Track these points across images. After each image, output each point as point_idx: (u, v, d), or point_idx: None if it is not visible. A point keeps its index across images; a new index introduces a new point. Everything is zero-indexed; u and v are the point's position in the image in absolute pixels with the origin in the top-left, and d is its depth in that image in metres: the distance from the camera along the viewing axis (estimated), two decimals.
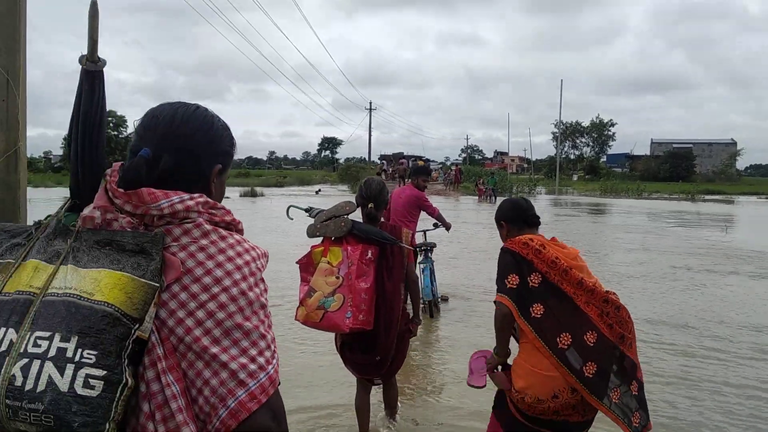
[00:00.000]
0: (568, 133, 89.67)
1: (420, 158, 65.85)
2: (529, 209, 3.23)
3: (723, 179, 76.12)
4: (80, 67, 1.29)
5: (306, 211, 3.93)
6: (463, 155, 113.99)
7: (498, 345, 3.02)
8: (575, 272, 2.86)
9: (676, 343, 6.70)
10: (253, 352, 1.14)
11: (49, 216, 1.26)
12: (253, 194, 37.59)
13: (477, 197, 39.64)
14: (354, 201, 3.80)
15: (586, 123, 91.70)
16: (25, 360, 1.01)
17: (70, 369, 1.01)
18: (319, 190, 45.37)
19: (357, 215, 3.75)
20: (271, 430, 1.13)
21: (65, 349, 1.02)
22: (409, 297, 4.01)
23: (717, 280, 10.84)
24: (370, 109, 70.42)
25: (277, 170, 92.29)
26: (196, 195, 1.23)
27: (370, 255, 3.56)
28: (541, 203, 39.63)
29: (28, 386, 1.00)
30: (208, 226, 1.20)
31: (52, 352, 1.02)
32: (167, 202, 1.18)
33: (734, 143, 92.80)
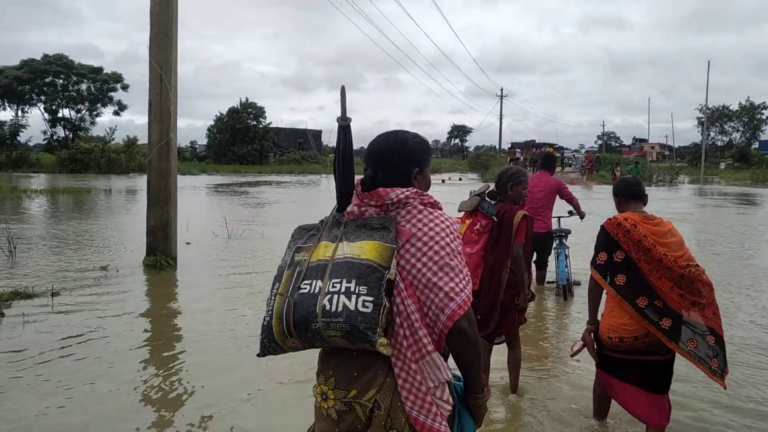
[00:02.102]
0: (714, 117, 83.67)
1: (552, 146, 64.25)
2: (636, 185, 3.91)
3: None
4: (336, 121, 2.07)
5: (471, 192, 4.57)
6: (599, 142, 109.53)
7: (589, 312, 3.86)
8: (658, 249, 3.56)
9: None
10: (457, 280, 1.86)
11: (326, 216, 2.06)
12: None
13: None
14: (490, 184, 4.48)
15: (734, 107, 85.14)
16: (329, 295, 1.79)
17: (353, 297, 1.78)
18: (448, 178, 45.21)
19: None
20: (468, 331, 1.86)
21: (349, 287, 1.79)
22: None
23: None
24: (501, 96, 69.31)
25: None
26: (409, 189, 1.99)
27: (479, 226, 4.19)
28: (684, 193, 37.56)
29: (333, 309, 1.77)
30: (420, 206, 1.97)
31: (343, 289, 1.79)
32: (394, 195, 1.96)
33: None
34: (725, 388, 3.85)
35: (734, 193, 37.56)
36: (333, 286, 1.81)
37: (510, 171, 4.50)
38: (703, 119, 65.09)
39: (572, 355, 4.12)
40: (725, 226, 17.78)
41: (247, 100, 66.87)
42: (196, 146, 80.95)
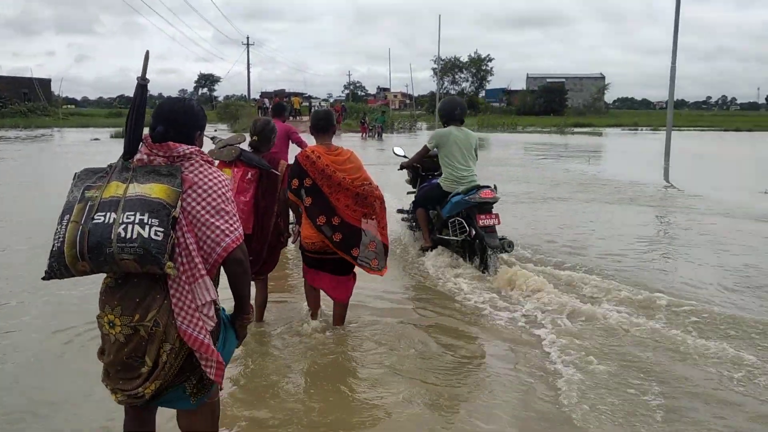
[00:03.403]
0: (447, 68, 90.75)
1: (301, 95, 64.90)
2: (323, 119, 4.70)
3: (592, 112, 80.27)
4: (136, 80, 2.37)
5: (211, 139, 4.71)
6: (346, 92, 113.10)
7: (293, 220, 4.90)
8: (338, 175, 4.49)
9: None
10: (231, 221, 2.35)
11: (114, 162, 2.35)
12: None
13: (360, 134, 39.59)
14: (244, 134, 4.77)
15: (464, 58, 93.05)
16: (124, 225, 2.11)
17: (146, 227, 2.12)
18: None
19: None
20: (242, 259, 2.39)
21: (143, 219, 2.13)
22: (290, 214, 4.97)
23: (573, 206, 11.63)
24: (248, 44, 67.91)
25: (151, 109, 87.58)
26: (193, 146, 2.42)
27: (249, 176, 4.52)
28: (422, 139, 40.40)
29: (128, 236, 2.10)
30: (201, 161, 2.40)
31: (137, 221, 2.12)
32: (181, 149, 2.36)
33: (603, 77, 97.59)
34: (382, 276, 4.82)
35: None
36: (127, 218, 2.12)
37: (270, 124, 4.88)
38: (437, 70, 70.00)
39: (293, 242, 5.02)
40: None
41: None
42: None
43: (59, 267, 2.14)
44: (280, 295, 5.89)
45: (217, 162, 4.49)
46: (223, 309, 2.54)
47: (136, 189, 2.20)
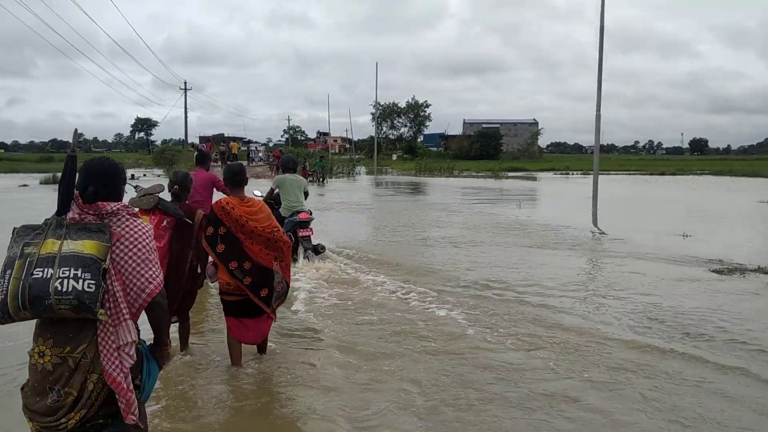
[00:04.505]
0: (386, 113, 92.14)
1: (240, 139, 64.63)
2: (238, 175, 5.13)
3: (526, 157, 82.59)
4: (67, 152, 2.66)
5: (134, 187, 5.10)
6: (286, 136, 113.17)
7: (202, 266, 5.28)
8: (251, 224, 4.93)
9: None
10: (154, 269, 2.64)
11: (48, 219, 2.57)
12: (55, 181, 34.47)
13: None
14: (165, 185, 5.16)
15: (403, 104, 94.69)
16: (60, 279, 2.37)
17: (80, 281, 2.38)
18: (132, 176, 42.77)
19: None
20: (162, 302, 2.70)
21: (77, 273, 2.39)
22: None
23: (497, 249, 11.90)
24: (185, 89, 66.97)
25: (85, 153, 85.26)
26: (119, 203, 2.67)
27: (165, 224, 4.89)
28: (362, 183, 40.75)
29: (64, 289, 2.37)
30: (127, 216, 2.65)
31: (71, 275, 2.39)
32: (110, 207, 2.62)
33: (536, 123, 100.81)
34: (274, 320, 5.35)
35: (403, 182, 41.92)
36: (63, 273, 2.39)
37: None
38: (376, 115, 70.96)
39: (200, 286, 5.51)
40: (397, 212, 19.84)
41: None
42: None
43: (3, 315, 2.42)
44: (201, 337, 6.28)
45: (137, 209, 4.79)
46: (144, 342, 2.78)
47: (70, 246, 2.47)
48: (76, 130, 2.92)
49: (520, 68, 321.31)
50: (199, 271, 5.34)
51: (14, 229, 2.56)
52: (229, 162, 43.61)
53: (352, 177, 48.89)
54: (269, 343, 5.65)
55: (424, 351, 5.78)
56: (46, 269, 2.40)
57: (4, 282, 2.41)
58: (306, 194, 10.22)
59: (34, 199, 23.34)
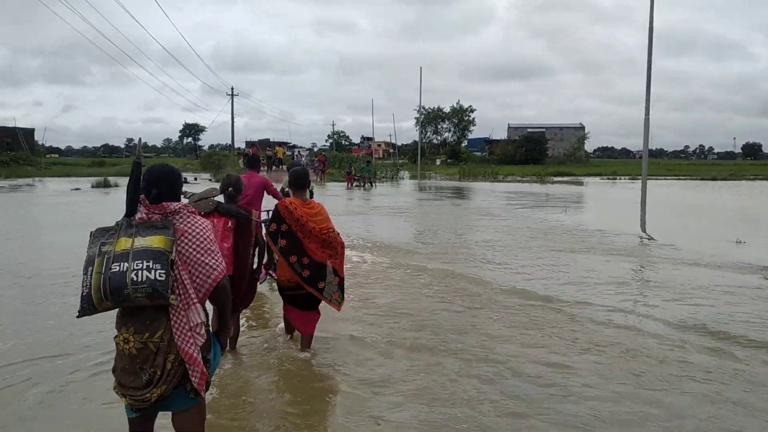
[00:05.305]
0: (430, 118, 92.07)
1: (285, 144, 65.31)
2: (301, 179, 5.70)
3: (572, 161, 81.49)
4: (134, 159, 3.07)
5: (183, 193, 5.18)
6: (330, 141, 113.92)
7: (267, 258, 5.68)
8: (309, 224, 5.44)
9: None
10: (216, 258, 3.04)
11: (119, 221, 2.95)
12: (106, 185, 35.37)
13: (346, 184, 39.12)
14: (218, 188, 5.46)
15: (447, 109, 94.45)
16: (134, 271, 2.74)
17: (152, 271, 2.75)
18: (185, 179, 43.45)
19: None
20: (226, 286, 3.11)
21: (149, 265, 2.76)
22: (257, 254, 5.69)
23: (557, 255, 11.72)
24: (232, 95, 68.29)
25: (128, 154, 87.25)
26: (179, 203, 3.07)
27: (230, 225, 5.15)
28: (405, 188, 40.72)
29: (139, 279, 2.73)
30: (188, 213, 3.05)
31: (144, 267, 2.75)
32: (173, 207, 3.02)
33: (582, 127, 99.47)
34: (339, 311, 5.83)
35: (446, 187, 41.74)
36: (137, 265, 2.75)
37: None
38: (420, 120, 71.05)
39: (261, 282, 6.16)
40: (439, 215, 19.75)
41: None
42: None
43: (89, 307, 2.79)
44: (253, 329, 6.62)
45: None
46: (210, 330, 3.22)
47: (140, 242, 2.84)
48: (140, 139, 3.34)
49: (565, 72, 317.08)
50: (255, 266, 5.62)
51: (91, 232, 2.93)
52: (280, 166, 44.29)
53: (395, 182, 48.93)
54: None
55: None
56: (122, 263, 2.77)
57: (87, 278, 2.78)
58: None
59: (83, 203, 24.02)
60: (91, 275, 2.78)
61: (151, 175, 3.08)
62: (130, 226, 2.92)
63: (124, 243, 2.84)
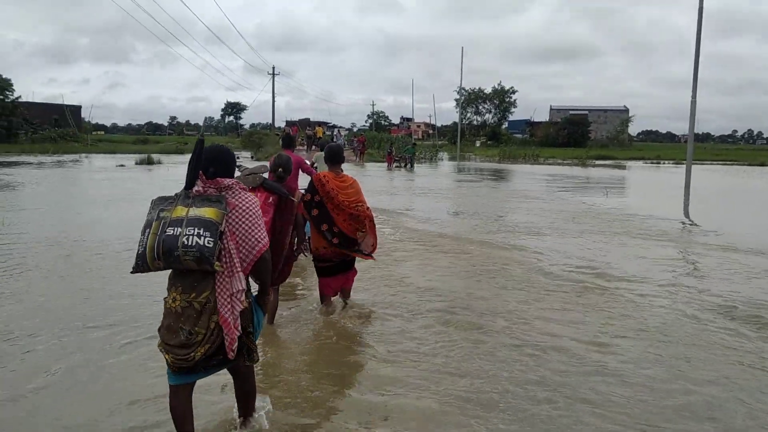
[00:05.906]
0: (471, 99, 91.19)
1: (325, 124, 65.46)
2: (336, 154, 6.20)
3: (615, 145, 79.93)
4: (198, 137, 3.40)
5: (237, 167, 5.35)
6: (370, 121, 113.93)
7: (301, 227, 5.73)
8: (340, 197, 5.91)
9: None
10: (262, 232, 3.36)
11: (178, 192, 3.26)
12: (150, 162, 36.08)
13: (386, 165, 39.00)
14: (267, 165, 5.55)
15: (488, 90, 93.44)
16: (186, 236, 3.05)
17: (202, 237, 3.07)
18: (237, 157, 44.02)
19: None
20: (268, 258, 3.44)
21: (199, 232, 3.07)
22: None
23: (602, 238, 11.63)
24: (273, 74, 68.76)
25: (178, 136, 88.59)
26: (232, 180, 3.42)
27: (270, 200, 5.30)
28: (444, 169, 40.55)
29: (189, 243, 3.04)
30: (239, 189, 3.37)
31: (195, 233, 3.07)
32: (225, 183, 3.35)
33: (626, 110, 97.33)
34: (374, 260, 6.63)
35: (485, 168, 41.46)
36: (189, 231, 3.05)
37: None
38: (460, 100, 70.43)
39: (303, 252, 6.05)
40: (479, 196, 19.73)
41: None
42: None
43: (143, 264, 3.09)
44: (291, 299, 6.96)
45: None
46: (253, 296, 3.56)
47: (195, 211, 3.15)
48: (205, 118, 3.69)
49: (610, 54, 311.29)
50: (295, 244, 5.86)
51: (152, 200, 3.27)
52: (317, 145, 44.37)
53: (434, 163, 48.74)
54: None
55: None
56: (176, 228, 3.08)
57: (144, 238, 3.10)
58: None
59: (126, 178, 24.55)
60: (147, 236, 3.09)
61: (209, 154, 3.39)
62: (188, 197, 3.23)
63: (180, 211, 3.15)
